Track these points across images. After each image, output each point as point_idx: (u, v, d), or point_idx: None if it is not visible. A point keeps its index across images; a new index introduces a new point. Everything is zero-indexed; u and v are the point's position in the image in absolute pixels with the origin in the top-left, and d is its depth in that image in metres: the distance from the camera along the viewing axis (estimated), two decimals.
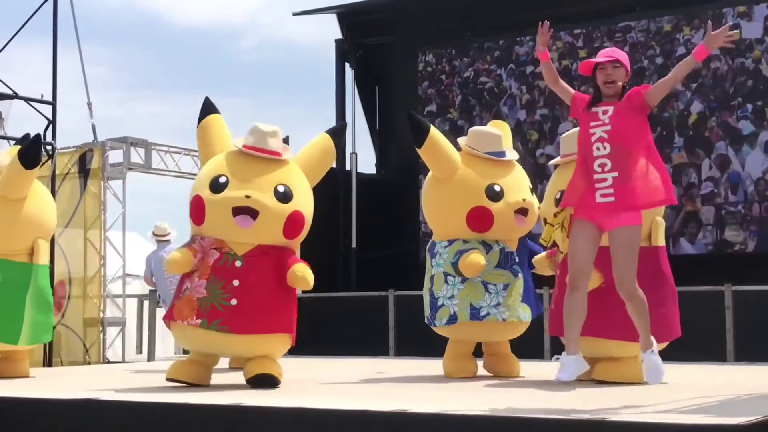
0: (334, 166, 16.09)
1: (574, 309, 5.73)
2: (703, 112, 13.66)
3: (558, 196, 7.19)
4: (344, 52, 16.49)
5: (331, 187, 15.88)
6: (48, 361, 11.92)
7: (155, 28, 48.82)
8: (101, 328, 13.18)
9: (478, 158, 7.82)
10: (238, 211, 6.90)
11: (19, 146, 8.62)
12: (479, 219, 7.66)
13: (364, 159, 16.61)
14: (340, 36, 16.57)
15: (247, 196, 6.88)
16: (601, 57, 5.86)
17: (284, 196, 7.00)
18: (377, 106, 16.87)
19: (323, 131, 7.56)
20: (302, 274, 7.03)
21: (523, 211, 7.72)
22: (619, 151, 5.52)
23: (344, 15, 16.45)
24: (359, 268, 15.68)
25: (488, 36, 15.59)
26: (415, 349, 11.07)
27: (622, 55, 5.85)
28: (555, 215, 6.15)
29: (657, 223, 7.01)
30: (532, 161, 14.03)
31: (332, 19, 16.57)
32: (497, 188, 7.71)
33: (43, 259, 8.53)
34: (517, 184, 7.88)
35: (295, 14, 17.20)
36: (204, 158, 7.44)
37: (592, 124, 5.63)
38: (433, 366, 8.67)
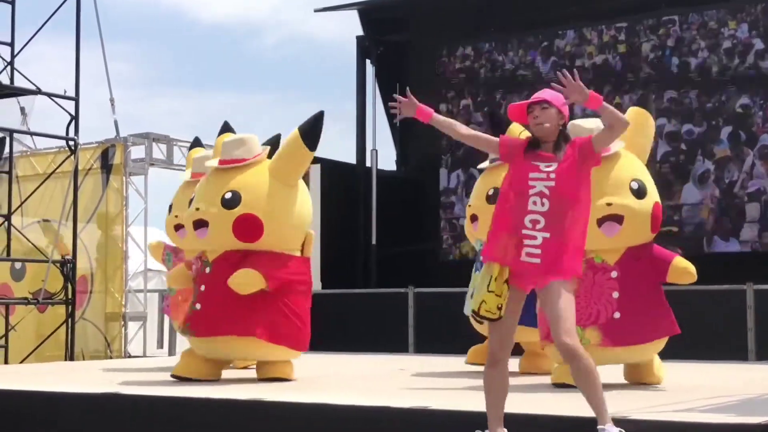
0: (355, 162, 16.21)
1: (493, 386, 4.75)
2: (748, 106, 13.53)
3: (491, 192, 7.79)
4: (365, 48, 16.48)
5: (351, 183, 15.90)
6: (70, 356, 12.01)
7: (177, 24, 48.96)
8: (123, 323, 13.25)
9: None
10: (195, 224, 7.33)
11: None
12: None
13: (385, 155, 16.61)
14: (361, 33, 16.57)
15: (197, 209, 7.30)
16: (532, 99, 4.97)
17: (230, 202, 7.20)
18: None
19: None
20: (232, 283, 7.05)
21: (474, 217, 8.10)
22: (557, 211, 4.71)
23: (365, 12, 16.45)
24: (379, 264, 15.68)
25: (511, 32, 15.56)
26: (435, 345, 11.09)
27: (553, 95, 4.90)
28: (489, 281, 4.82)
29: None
30: None
31: (353, 16, 16.57)
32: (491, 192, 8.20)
33: None
34: (477, 190, 8.21)
35: (316, 11, 17.17)
36: None
37: (532, 175, 4.76)
38: (453, 363, 8.69)
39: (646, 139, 6.97)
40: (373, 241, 15.81)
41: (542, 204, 4.72)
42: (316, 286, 15.15)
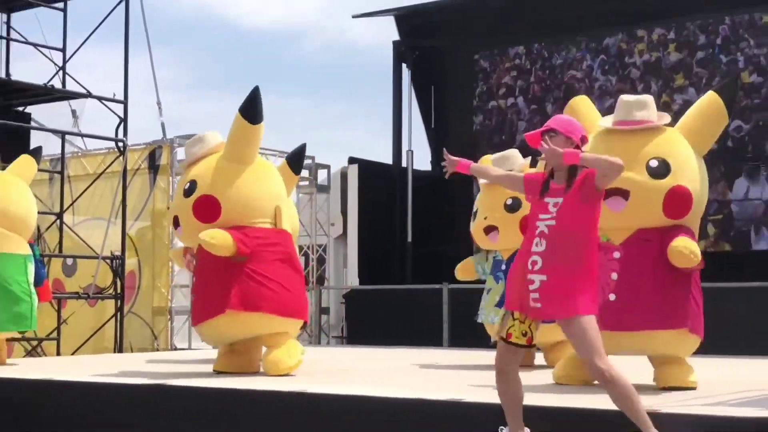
0: (390, 161, 16.19)
1: (506, 393, 4.66)
2: None
3: (510, 202, 7.94)
4: (401, 53, 16.47)
5: (388, 183, 15.87)
6: (118, 348, 12.07)
7: (223, 30, 49.19)
8: (169, 317, 13.30)
9: None
10: (174, 224, 7.58)
11: None
12: (471, 235, 8.50)
13: (420, 156, 16.59)
14: (397, 38, 16.54)
15: (168, 208, 7.39)
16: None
17: (189, 191, 7.35)
18: (433, 105, 16.82)
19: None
20: (201, 240, 7.01)
21: (490, 228, 8.10)
22: (554, 251, 4.52)
23: (402, 18, 16.42)
24: (414, 261, 15.65)
25: (543, 37, 15.48)
26: (468, 340, 11.00)
27: (561, 122, 4.74)
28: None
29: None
30: None
31: (390, 22, 16.55)
32: (474, 208, 8.40)
33: None
34: (490, 202, 8.16)
35: (354, 17, 17.20)
36: None
37: (541, 216, 4.62)
38: (485, 357, 8.62)
39: (710, 124, 6.27)
40: (409, 239, 15.79)
41: (541, 244, 4.56)
42: (354, 282, 15.26)
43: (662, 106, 13.73)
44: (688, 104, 14.04)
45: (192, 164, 7.53)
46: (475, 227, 8.32)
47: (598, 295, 4.69)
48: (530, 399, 4.75)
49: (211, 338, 7.51)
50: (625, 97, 6.28)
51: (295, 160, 8.50)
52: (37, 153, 9.29)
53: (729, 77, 8.21)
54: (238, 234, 7.08)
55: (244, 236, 7.10)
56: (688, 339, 6.03)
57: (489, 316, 8.10)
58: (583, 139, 4.74)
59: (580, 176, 4.60)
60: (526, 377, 4.72)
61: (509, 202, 8.00)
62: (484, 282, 8.47)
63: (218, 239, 6.98)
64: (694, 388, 5.88)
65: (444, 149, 5.10)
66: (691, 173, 6.07)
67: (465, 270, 8.74)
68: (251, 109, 7.32)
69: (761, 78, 13.59)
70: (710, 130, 6.32)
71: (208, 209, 7.20)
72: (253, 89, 7.33)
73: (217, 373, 7.25)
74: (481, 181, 8.24)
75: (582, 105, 6.75)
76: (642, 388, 5.23)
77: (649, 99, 6.24)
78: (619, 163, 4.50)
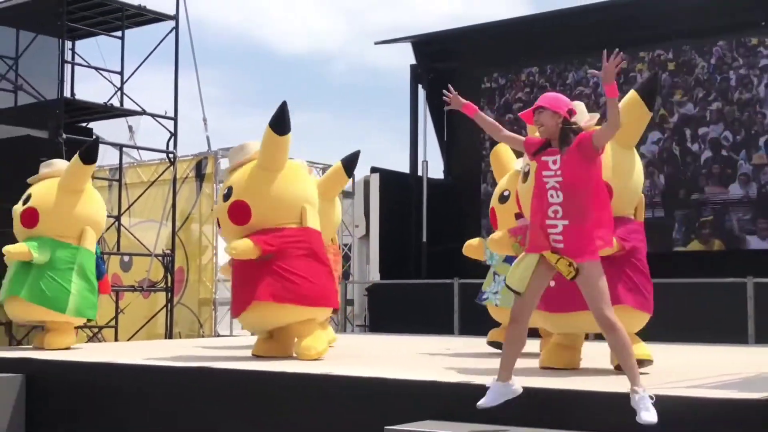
0: (407, 171, 16.20)
1: (511, 341, 4.72)
2: None
3: (507, 194, 7.70)
4: (418, 75, 16.47)
5: (405, 190, 15.87)
6: (169, 335, 12.13)
7: (261, 54, 49.37)
8: (213, 307, 13.35)
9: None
10: (217, 223, 7.62)
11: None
12: (491, 218, 8.05)
13: (434, 166, 16.59)
14: (414, 62, 16.55)
15: (211, 210, 7.39)
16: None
17: (226, 196, 7.35)
18: (445, 121, 16.81)
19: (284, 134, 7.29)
20: (227, 251, 7.11)
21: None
22: (571, 200, 4.64)
23: (418, 44, 16.44)
24: (429, 259, 15.65)
25: (545, 62, 15.44)
26: (476, 328, 10.97)
27: (547, 99, 4.82)
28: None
29: (641, 200, 6.28)
30: None
31: (408, 48, 16.57)
32: (506, 193, 7.82)
33: (88, 243, 8.55)
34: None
35: (376, 43, 17.22)
36: None
37: (544, 173, 4.73)
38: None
39: (632, 119, 6.01)
40: (424, 239, 15.78)
41: (557, 196, 4.68)
42: (375, 277, 15.27)
43: (660, 119, 13.75)
44: (684, 117, 14.05)
45: (233, 171, 7.51)
46: (507, 210, 7.66)
47: (611, 242, 4.75)
48: (520, 382, 4.75)
49: (249, 326, 7.67)
50: None
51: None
52: (93, 148, 9.13)
53: (651, 74, 7.81)
54: (262, 237, 7.06)
55: (269, 237, 7.07)
56: (632, 315, 5.80)
57: (512, 301, 7.63)
58: (570, 112, 4.78)
59: (574, 141, 4.70)
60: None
61: (506, 194, 7.72)
62: (488, 268, 8.20)
63: (239, 249, 7.00)
64: (650, 361, 5.77)
65: (449, 86, 4.97)
66: (610, 168, 5.84)
67: (475, 249, 8.16)
68: (279, 122, 7.22)
69: (750, 94, 13.51)
70: (633, 125, 6.09)
71: (240, 213, 7.19)
72: (281, 104, 7.24)
73: (255, 357, 7.27)
74: (517, 167, 7.81)
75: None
76: (606, 372, 5.16)
77: (578, 104, 6.06)
78: (618, 125, 4.58)
